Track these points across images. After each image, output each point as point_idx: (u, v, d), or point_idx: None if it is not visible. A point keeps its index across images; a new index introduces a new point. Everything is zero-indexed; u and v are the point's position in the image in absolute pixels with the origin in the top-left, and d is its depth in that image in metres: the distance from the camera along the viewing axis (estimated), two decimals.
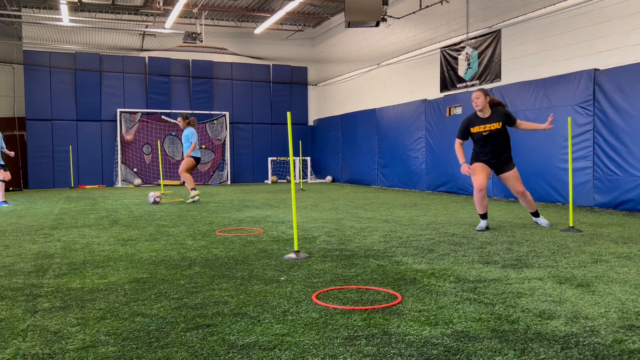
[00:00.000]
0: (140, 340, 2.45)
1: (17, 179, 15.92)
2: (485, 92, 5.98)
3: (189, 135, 10.14)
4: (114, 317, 2.81)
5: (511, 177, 6.02)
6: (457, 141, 6.08)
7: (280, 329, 2.58)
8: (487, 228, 5.99)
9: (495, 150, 5.96)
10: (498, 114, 5.94)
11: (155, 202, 9.83)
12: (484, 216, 6.01)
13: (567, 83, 8.84)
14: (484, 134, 5.93)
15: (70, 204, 10.17)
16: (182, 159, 10.83)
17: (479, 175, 5.92)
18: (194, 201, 10.17)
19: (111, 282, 3.61)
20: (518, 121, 5.99)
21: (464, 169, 5.88)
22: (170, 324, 2.68)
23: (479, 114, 5.97)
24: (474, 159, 6.11)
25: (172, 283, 3.56)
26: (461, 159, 6.00)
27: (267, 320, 2.72)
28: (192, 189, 10.16)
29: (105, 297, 3.23)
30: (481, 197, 5.90)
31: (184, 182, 10.96)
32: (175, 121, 17.18)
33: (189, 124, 10.27)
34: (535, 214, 6.27)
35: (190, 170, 10.20)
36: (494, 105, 6.04)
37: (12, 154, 10.81)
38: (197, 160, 10.27)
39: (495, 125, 5.89)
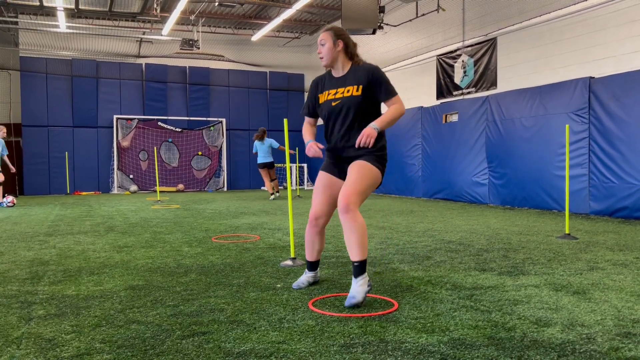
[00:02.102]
0: (135, 348, 2.44)
1: (12, 185, 15.86)
2: (339, 34, 3.49)
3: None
4: (109, 324, 2.80)
5: (353, 168, 3.33)
6: (305, 120, 3.74)
7: (277, 337, 2.57)
8: (309, 285, 3.63)
9: (345, 132, 3.42)
10: (361, 72, 3.41)
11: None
12: (311, 266, 3.65)
13: (563, 91, 8.89)
14: (332, 104, 3.44)
15: (66, 210, 10.14)
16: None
17: (315, 196, 3.53)
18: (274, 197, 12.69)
19: (106, 289, 3.59)
20: (395, 97, 3.38)
21: (309, 148, 3.51)
22: (166, 332, 2.66)
23: (333, 71, 3.56)
24: (325, 160, 3.67)
25: (167, 290, 3.55)
26: (307, 137, 3.67)
27: (263, 328, 2.71)
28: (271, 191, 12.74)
29: (100, 304, 3.21)
30: (314, 233, 3.54)
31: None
32: (171, 127, 17.18)
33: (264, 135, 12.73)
34: (356, 270, 3.21)
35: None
36: (357, 60, 3.52)
37: (13, 169, 11.15)
38: (260, 165, 12.64)
39: (351, 90, 3.39)
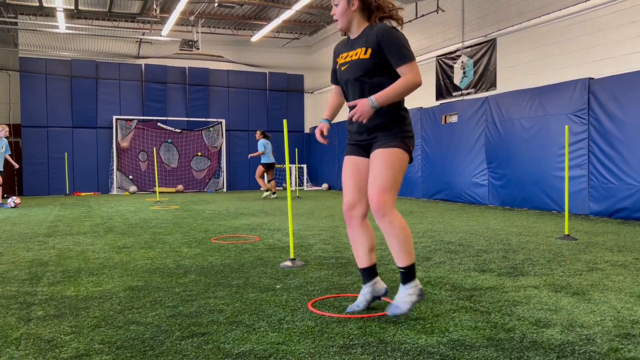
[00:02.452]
0: (134, 348, 2.44)
1: (12, 185, 15.85)
2: None
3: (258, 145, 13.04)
4: (108, 325, 2.79)
5: (372, 161, 2.88)
6: (333, 90, 3.29)
7: (276, 338, 2.57)
8: (368, 304, 3.00)
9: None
10: (372, 33, 2.85)
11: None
12: (366, 275, 3.05)
13: (562, 92, 8.89)
14: (342, 68, 2.99)
15: (65, 211, 10.13)
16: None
17: (344, 185, 3.06)
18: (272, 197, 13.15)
19: (106, 290, 3.59)
20: (408, 65, 2.76)
21: (317, 129, 3.08)
22: (165, 333, 2.66)
23: (350, 34, 3.01)
24: (347, 141, 3.15)
25: (167, 291, 3.55)
26: (326, 111, 3.27)
27: (262, 329, 2.71)
28: (265, 190, 13.20)
29: (99, 305, 3.21)
30: (354, 228, 3.04)
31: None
32: (171, 128, 17.18)
33: (264, 137, 13.17)
34: (403, 276, 2.84)
35: (261, 174, 13.24)
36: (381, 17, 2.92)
37: (16, 165, 11.32)
38: (265, 165, 13.09)
39: (359, 52, 2.88)
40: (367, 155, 2.99)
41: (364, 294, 3.02)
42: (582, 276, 3.90)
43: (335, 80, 3.21)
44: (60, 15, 14.35)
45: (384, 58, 2.81)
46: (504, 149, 10.12)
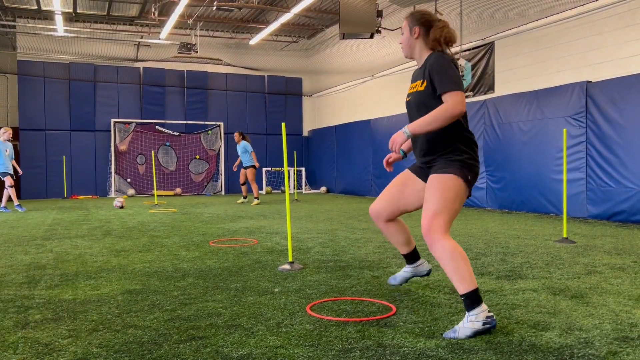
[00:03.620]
0: (132, 352, 2.43)
1: None
2: (419, 19, 2.93)
3: (246, 146, 12.28)
4: (106, 329, 2.79)
5: (426, 186, 2.82)
6: None
7: (274, 341, 2.56)
8: (404, 281, 3.43)
9: (413, 141, 3.01)
10: (427, 64, 2.84)
11: (121, 207, 11.43)
12: (407, 257, 3.35)
13: (560, 95, 8.91)
14: (407, 99, 3.01)
15: (63, 214, 10.11)
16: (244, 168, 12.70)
17: (385, 189, 3.27)
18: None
19: (104, 294, 3.58)
20: (447, 94, 2.67)
21: (390, 159, 3.23)
22: (163, 336, 2.65)
23: (416, 62, 3.05)
24: None
25: (165, 294, 3.54)
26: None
27: (261, 332, 2.70)
28: (255, 197, 12.35)
29: (97, 308, 3.20)
30: (383, 227, 3.25)
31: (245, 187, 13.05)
32: (169, 131, 17.18)
33: (244, 139, 12.43)
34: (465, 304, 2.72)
35: (254, 176, 12.42)
36: (440, 43, 2.89)
37: (20, 172, 11.47)
38: (252, 167, 12.39)
39: (418, 85, 2.90)
40: (425, 179, 2.98)
41: (405, 272, 3.39)
42: (581, 279, 3.90)
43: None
44: (59, 19, 14.35)
45: (434, 88, 2.77)
46: (502, 152, 10.13)
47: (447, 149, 2.80)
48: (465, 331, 2.58)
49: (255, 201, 12.13)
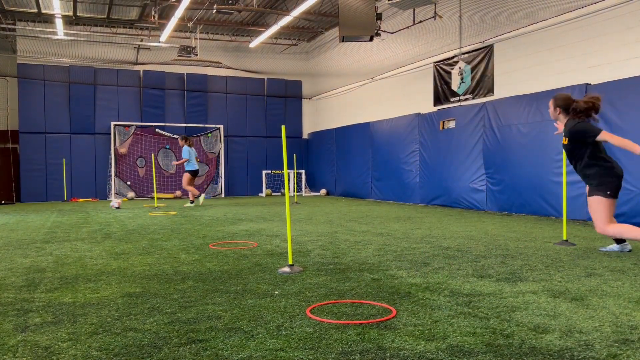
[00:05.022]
0: (132, 355, 2.43)
1: (9, 192, 15.82)
2: (556, 102, 5.11)
3: (183, 152, 12.67)
4: (106, 332, 2.78)
5: (589, 206, 4.98)
6: None
7: (274, 344, 2.56)
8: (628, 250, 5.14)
9: (575, 169, 5.17)
10: (566, 128, 5.03)
11: (117, 208, 11.92)
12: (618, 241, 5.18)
13: None
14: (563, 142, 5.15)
15: (63, 217, 10.11)
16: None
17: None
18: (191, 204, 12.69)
19: (103, 297, 3.57)
20: (603, 133, 4.77)
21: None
22: (163, 339, 2.65)
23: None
24: None
25: (165, 297, 3.53)
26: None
27: (260, 335, 2.70)
28: (194, 198, 12.87)
29: (97, 311, 3.19)
30: (610, 234, 4.97)
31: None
32: (169, 134, 17.18)
33: (187, 143, 12.73)
34: (619, 240, 5.20)
35: (189, 181, 12.81)
36: (578, 113, 4.96)
37: None
38: (191, 173, 12.72)
39: (565, 141, 5.05)
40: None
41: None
42: (581, 282, 3.90)
43: None
44: (59, 22, 14.37)
45: (575, 143, 4.94)
46: (501, 155, 10.14)
47: (591, 175, 5.06)
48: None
49: (189, 204, 12.70)
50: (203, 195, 13.25)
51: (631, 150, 4.62)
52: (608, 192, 4.75)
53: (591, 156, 4.87)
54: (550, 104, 5.12)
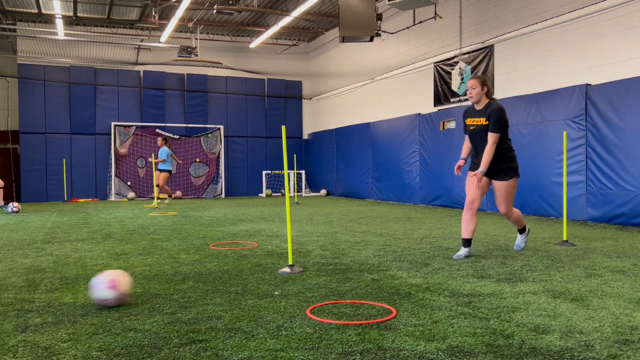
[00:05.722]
0: (132, 356, 2.43)
1: (9, 192, 15.82)
2: (483, 81, 5.02)
3: (165, 152, 13.13)
4: (106, 332, 2.78)
5: (497, 190, 5.05)
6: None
7: (274, 344, 2.56)
8: (466, 257, 4.99)
9: (478, 151, 5.07)
10: (488, 109, 4.96)
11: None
12: (466, 242, 5.04)
13: (560, 98, 8.92)
14: (471, 128, 5.06)
15: (63, 217, 10.11)
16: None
17: (468, 187, 5.03)
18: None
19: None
20: (493, 135, 4.86)
21: (457, 166, 5.03)
22: (163, 339, 2.65)
23: (475, 105, 5.10)
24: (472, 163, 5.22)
25: (165, 298, 3.54)
26: (462, 152, 5.25)
27: (261, 336, 2.70)
28: (168, 197, 13.66)
29: (97, 312, 3.20)
30: (469, 216, 4.98)
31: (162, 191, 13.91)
32: (169, 135, 17.19)
33: (165, 144, 13.25)
34: (521, 230, 5.38)
35: (166, 180, 13.35)
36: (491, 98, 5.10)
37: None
38: (168, 172, 13.24)
39: (481, 121, 4.95)
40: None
41: (465, 252, 5.02)
42: (581, 282, 3.90)
43: (465, 130, 5.19)
44: (59, 22, 14.38)
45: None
46: None
47: (504, 160, 5.07)
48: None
49: (167, 200, 13.59)
50: (169, 200, 13.77)
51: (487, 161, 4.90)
52: (519, 175, 5.05)
53: (504, 139, 4.97)
54: (477, 82, 4.96)
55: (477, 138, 5.01)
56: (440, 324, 2.87)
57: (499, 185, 4.98)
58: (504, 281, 3.95)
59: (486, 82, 5.04)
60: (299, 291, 3.68)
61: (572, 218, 8.64)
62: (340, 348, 2.50)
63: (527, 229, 5.39)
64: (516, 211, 5.18)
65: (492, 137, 4.83)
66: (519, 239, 5.41)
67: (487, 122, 4.88)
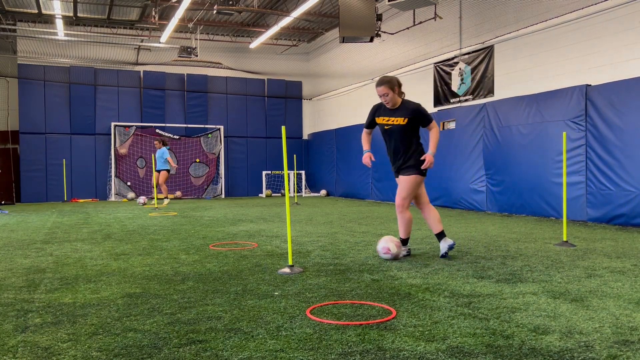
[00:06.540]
0: (132, 356, 2.43)
1: (9, 192, 15.82)
2: (391, 85, 4.92)
3: (163, 153, 13.36)
4: (106, 332, 2.78)
5: (399, 183, 5.09)
6: (364, 130, 5.40)
7: (274, 345, 2.56)
8: (406, 255, 5.08)
9: (395, 149, 5.11)
10: (406, 109, 4.97)
11: (144, 204, 12.99)
12: (403, 242, 5.16)
13: (560, 98, 8.92)
14: (386, 127, 5.08)
15: (63, 217, 10.11)
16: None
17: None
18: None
19: (103, 297, 3.57)
20: (432, 123, 5.04)
21: (365, 158, 5.14)
22: (163, 340, 2.65)
23: (387, 104, 5.07)
24: None
25: (165, 298, 3.53)
26: (365, 146, 5.32)
27: (260, 336, 2.70)
28: (165, 197, 13.73)
29: (97, 312, 3.19)
30: (399, 215, 5.12)
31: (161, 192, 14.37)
32: (170, 135, 17.19)
33: (164, 145, 13.55)
34: (440, 235, 5.06)
35: (166, 179, 13.65)
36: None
37: None
38: (167, 172, 13.49)
39: (399, 120, 4.97)
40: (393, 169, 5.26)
41: (405, 250, 5.13)
42: (581, 282, 3.90)
43: (370, 125, 5.30)
44: (59, 22, 14.38)
45: (411, 124, 5.00)
46: (502, 156, 10.14)
47: (412, 157, 5.09)
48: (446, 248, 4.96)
49: (166, 201, 13.57)
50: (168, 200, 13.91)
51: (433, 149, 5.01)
52: (424, 174, 5.05)
53: (417, 139, 5.08)
54: (386, 89, 4.90)
55: (396, 137, 5.02)
56: (440, 324, 2.87)
57: (402, 179, 5.03)
58: (504, 282, 3.95)
59: (394, 83, 4.96)
60: (298, 291, 3.68)
61: (572, 218, 8.64)
62: (340, 348, 2.50)
63: (447, 240, 5.02)
64: (433, 212, 5.10)
65: (433, 125, 5.02)
66: (440, 244, 5.07)
67: (405, 122, 4.93)
